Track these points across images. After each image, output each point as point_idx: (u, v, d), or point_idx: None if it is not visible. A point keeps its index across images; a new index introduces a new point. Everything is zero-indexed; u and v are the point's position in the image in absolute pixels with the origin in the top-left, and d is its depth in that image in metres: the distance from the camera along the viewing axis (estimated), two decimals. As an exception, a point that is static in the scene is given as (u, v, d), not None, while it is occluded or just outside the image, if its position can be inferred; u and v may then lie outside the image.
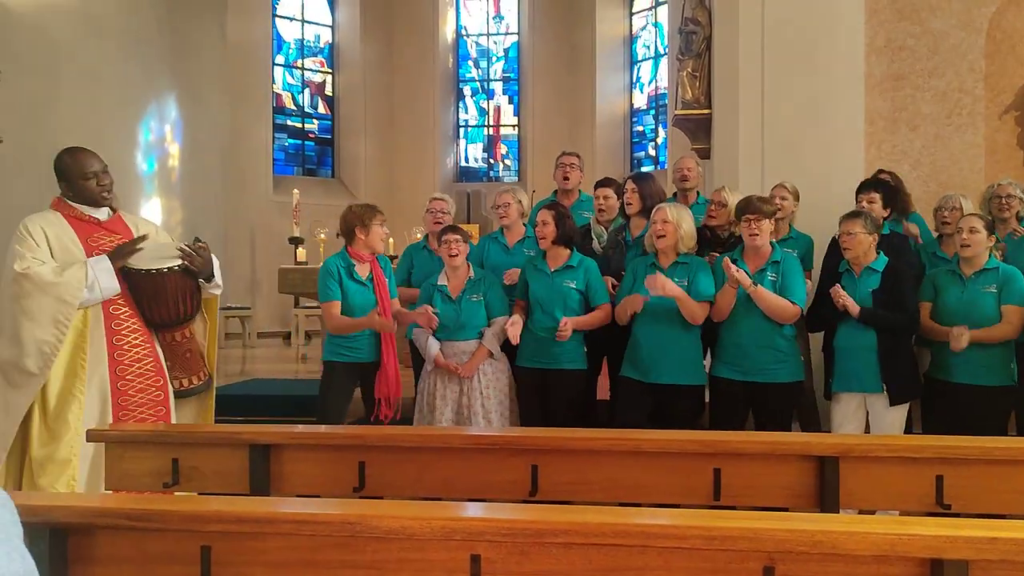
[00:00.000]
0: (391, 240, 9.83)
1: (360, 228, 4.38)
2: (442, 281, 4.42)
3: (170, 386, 3.68)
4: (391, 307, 4.41)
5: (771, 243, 4.17)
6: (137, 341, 3.58)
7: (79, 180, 3.54)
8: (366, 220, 4.38)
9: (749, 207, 4.10)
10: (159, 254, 3.58)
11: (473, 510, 2.18)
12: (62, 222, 3.54)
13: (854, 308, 3.97)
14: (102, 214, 3.63)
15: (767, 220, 4.07)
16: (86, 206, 3.59)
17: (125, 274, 3.51)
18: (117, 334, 3.53)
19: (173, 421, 3.67)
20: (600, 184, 4.99)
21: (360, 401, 4.54)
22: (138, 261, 3.52)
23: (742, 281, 3.90)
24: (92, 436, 3.25)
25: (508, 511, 2.13)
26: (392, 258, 9.10)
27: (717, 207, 4.59)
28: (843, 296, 3.98)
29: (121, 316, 3.55)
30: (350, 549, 2.02)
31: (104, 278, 3.43)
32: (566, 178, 5.13)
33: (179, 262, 3.54)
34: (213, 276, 3.68)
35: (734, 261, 4.08)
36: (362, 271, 4.40)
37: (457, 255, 4.36)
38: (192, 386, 3.74)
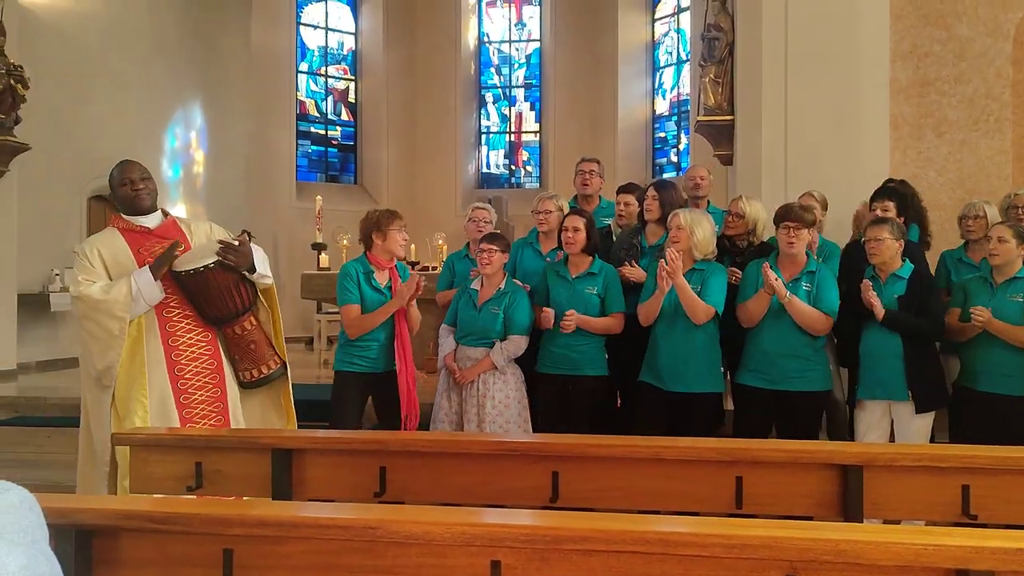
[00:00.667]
0: (412, 246, 9.88)
1: (377, 233, 4.35)
2: (475, 286, 4.44)
3: (229, 383, 3.74)
4: (410, 316, 4.39)
5: (807, 252, 4.13)
6: (192, 340, 3.68)
7: (118, 188, 3.75)
8: (383, 225, 4.34)
9: (790, 214, 4.06)
10: (201, 253, 3.67)
11: (493, 516, 2.18)
12: (116, 237, 3.71)
13: (879, 310, 3.92)
14: (151, 221, 3.75)
15: (806, 229, 4.03)
16: (134, 216, 3.74)
17: (173, 277, 3.62)
18: (172, 335, 3.65)
19: (233, 416, 3.73)
20: (622, 190, 4.98)
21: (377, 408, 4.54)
22: (180, 264, 3.62)
23: (778, 291, 3.87)
24: (118, 440, 3.29)
25: (528, 517, 2.13)
26: (413, 264, 9.18)
27: (735, 218, 4.55)
28: (872, 296, 3.93)
29: (174, 318, 3.66)
30: (371, 554, 2.03)
31: (146, 289, 3.54)
32: (585, 184, 5.11)
33: (215, 259, 3.60)
34: (255, 268, 3.70)
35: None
36: (380, 278, 4.38)
37: (490, 264, 4.35)
38: (261, 376, 3.79)
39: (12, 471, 5.18)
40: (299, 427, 4.04)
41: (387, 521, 2.03)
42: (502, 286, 4.40)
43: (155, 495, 3.14)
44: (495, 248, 4.35)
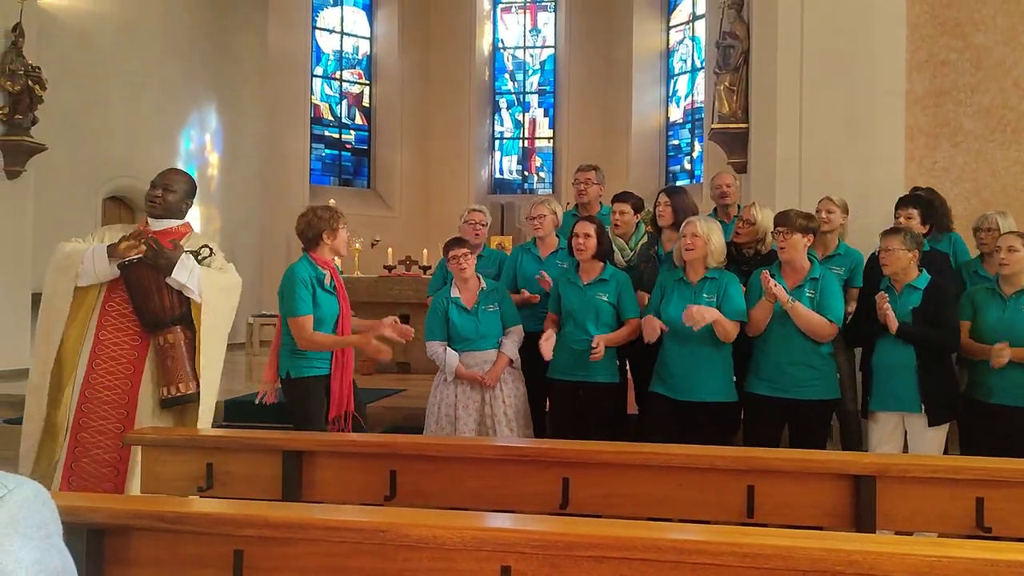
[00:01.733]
0: (424, 251, 9.90)
1: (328, 232, 4.19)
2: (455, 293, 4.43)
3: (144, 393, 3.70)
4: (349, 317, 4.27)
5: (811, 259, 4.11)
6: (118, 339, 3.72)
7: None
8: (334, 223, 4.20)
9: (780, 219, 4.06)
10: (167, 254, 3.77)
11: (504, 521, 2.18)
12: (127, 230, 3.89)
13: (893, 323, 3.89)
14: (159, 225, 3.88)
15: (798, 234, 3.99)
16: (148, 216, 3.95)
17: (120, 268, 3.70)
18: (103, 329, 3.72)
19: (137, 426, 3.68)
20: (617, 199, 4.97)
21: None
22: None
23: (780, 296, 3.85)
24: (130, 440, 3.30)
25: (540, 523, 2.12)
26: (425, 268, 9.19)
27: (745, 224, 4.52)
28: (887, 308, 3.90)
29: (112, 314, 3.74)
30: (380, 557, 2.03)
31: (98, 256, 3.67)
32: (581, 193, 5.10)
33: (140, 253, 3.67)
34: (170, 272, 3.66)
35: (771, 276, 4.04)
36: (326, 279, 4.20)
37: (466, 268, 4.38)
38: (171, 395, 3.70)
39: (24, 469, 5.18)
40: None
41: (397, 524, 2.03)
42: (484, 286, 4.45)
43: (166, 495, 3.15)
44: (466, 252, 4.39)
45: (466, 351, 4.37)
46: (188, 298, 3.76)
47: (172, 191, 3.87)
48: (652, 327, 4.03)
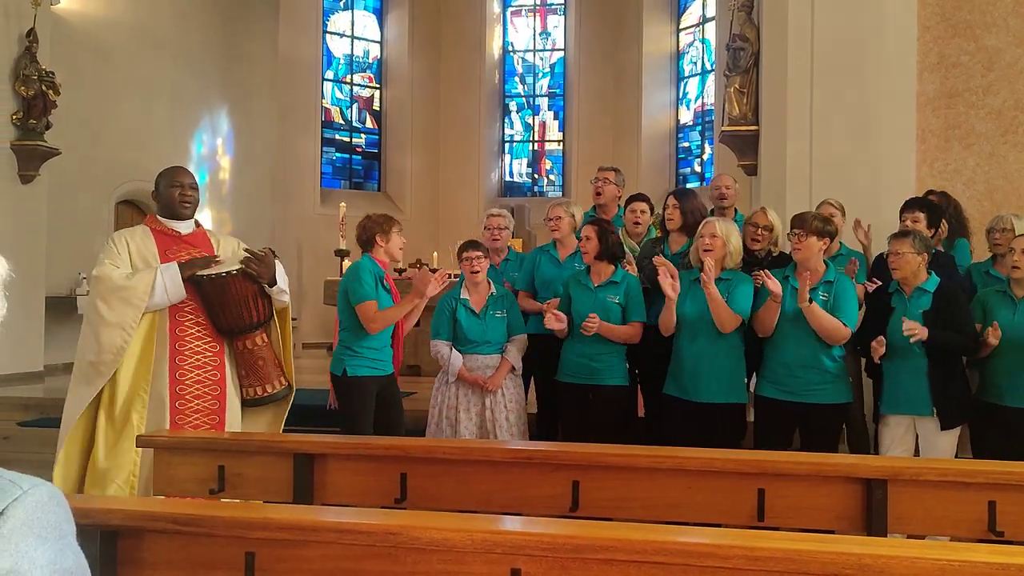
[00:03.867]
0: (435, 253, 9.91)
1: (381, 235, 4.41)
2: (464, 295, 4.45)
3: (230, 396, 3.75)
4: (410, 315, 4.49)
5: (826, 263, 4.10)
6: (199, 348, 3.71)
7: (166, 189, 3.79)
8: (387, 228, 4.42)
9: (796, 222, 4.05)
10: (226, 263, 3.72)
11: (514, 524, 2.18)
12: (147, 235, 3.77)
13: (924, 335, 3.77)
14: (183, 227, 3.82)
15: (814, 237, 3.98)
16: (170, 219, 3.81)
17: (193, 282, 3.65)
18: (180, 340, 3.67)
19: (229, 429, 3.74)
20: (633, 199, 4.98)
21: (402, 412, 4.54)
22: (204, 270, 3.67)
23: (800, 294, 3.83)
24: (142, 442, 3.33)
25: (549, 526, 2.13)
26: (435, 271, 9.20)
27: (763, 231, 4.51)
28: (916, 327, 3.77)
29: (186, 323, 3.69)
30: (391, 559, 2.04)
31: (171, 283, 3.58)
32: (598, 193, 5.12)
33: (238, 267, 3.65)
34: (275, 282, 3.75)
35: (785, 278, 4.02)
36: (384, 279, 4.44)
37: (479, 271, 4.40)
38: (265, 394, 3.80)
39: (40, 471, 5.21)
40: (322, 431, 4.05)
41: (408, 527, 2.03)
42: (493, 291, 4.46)
43: (179, 497, 3.17)
44: (480, 255, 4.41)
45: (469, 353, 4.40)
46: (271, 301, 3.81)
47: (198, 190, 3.89)
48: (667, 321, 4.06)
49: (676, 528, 2.30)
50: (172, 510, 2.22)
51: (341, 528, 2.08)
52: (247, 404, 3.82)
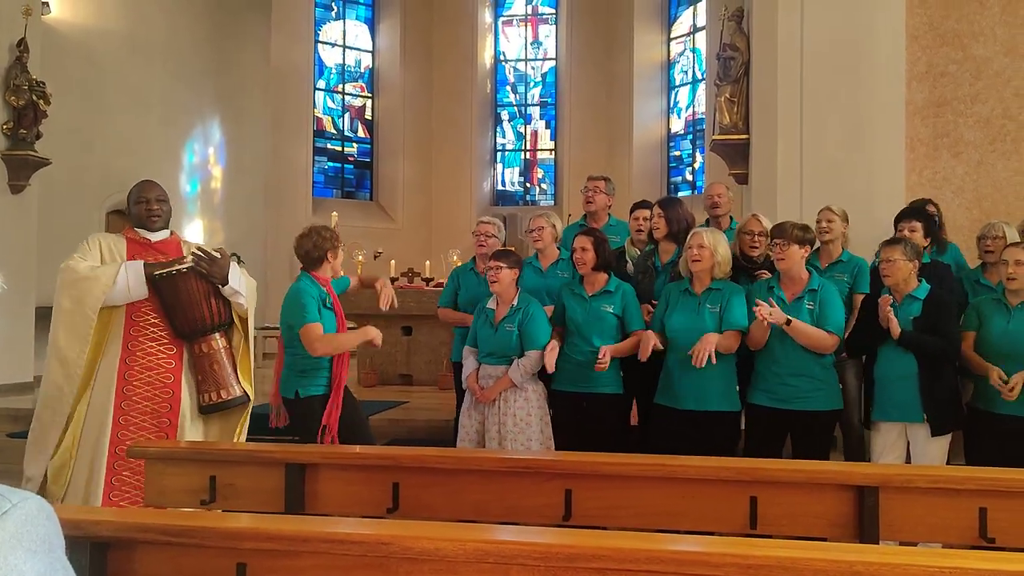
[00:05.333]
0: (427, 262, 9.90)
1: (332, 252, 4.21)
2: (491, 305, 4.44)
3: (185, 402, 3.73)
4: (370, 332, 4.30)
5: (810, 271, 4.11)
6: (151, 350, 3.70)
7: (133, 205, 3.94)
8: (336, 244, 4.25)
9: (776, 231, 4.08)
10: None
11: (507, 533, 2.18)
12: (120, 240, 3.88)
13: (896, 328, 3.89)
14: (156, 236, 3.90)
15: (795, 245, 4.00)
16: (141, 229, 3.92)
17: (150, 283, 3.67)
18: (132, 340, 3.69)
19: (183, 436, 3.71)
20: (637, 206, 4.98)
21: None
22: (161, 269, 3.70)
23: (777, 320, 3.84)
24: (134, 453, 3.31)
25: (542, 535, 2.12)
26: (427, 280, 9.20)
27: (759, 236, 4.52)
28: (889, 312, 3.90)
29: (140, 324, 3.71)
30: (383, 569, 2.03)
31: (133, 276, 3.63)
32: (589, 201, 5.13)
33: (188, 264, 3.67)
34: (228, 282, 3.73)
35: (770, 288, 4.04)
36: (328, 299, 4.22)
37: (496, 282, 4.35)
38: (220, 400, 3.76)
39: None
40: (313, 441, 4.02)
41: (400, 537, 2.03)
42: (515, 303, 4.38)
43: (170, 508, 3.15)
44: (502, 265, 4.32)
45: (485, 363, 4.39)
46: (229, 305, 3.79)
47: (166, 202, 3.96)
48: (647, 345, 4.04)
49: (668, 536, 2.30)
50: (163, 521, 2.21)
51: (332, 538, 2.07)
52: (203, 411, 3.79)
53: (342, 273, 4.43)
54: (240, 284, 3.81)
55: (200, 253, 3.70)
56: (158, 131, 10.10)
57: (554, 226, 4.78)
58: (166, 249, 3.85)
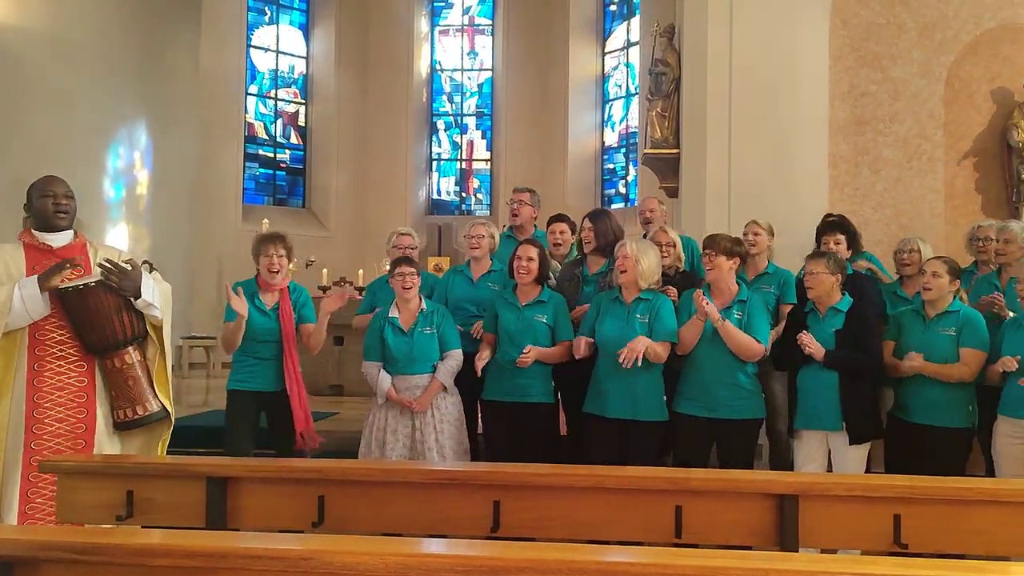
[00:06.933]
0: (360, 271, 9.81)
1: (259, 257, 4.41)
2: (393, 313, 4.37)
3: (100, 419, 3.55)
4: (306, 333, 4.41)
5: (739, 283, 4.21)
6: (62, 369, 3.49)
7: (37, 200, 3.58)
8: (260, 249, 4.40)
9: (708, 243, 4.17)
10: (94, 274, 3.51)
11: (431, 546, 2.15)
12: (17, 250, 3.56)
13: (819, 353, 4.00)
14: (57, 240, 3.59)
15: (723, 256, 4.10)
16: (43, 232, 3.59)
17: (57, 295, 3.44)
18: (39, 360, 3.46)
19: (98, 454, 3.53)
20: (554, 219, 5.04)
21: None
22: (65, 283, 3.44)
23: (711, 315, 3.93)
24: (46, 467, 3.17)
25: (466, 547, 2.10)
26: (360, 289, 9.11)
27: (666, 247, 4.63)
28: (811, 342, 4.01)
29: (46, 342, 3.48)
30: (304, 585, 1.98)
31: (30, 300, 3.36)
32: (514, 215, 5.15)
33: (97, 278, 3.45)
34: (140, 295, 3.53)
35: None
36: (266, 300, 4.36)
37: (411, 287, 4.34)
38: (136, 416, 3.57)
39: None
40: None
41: (321, 552, 1.98)
42: (424, 307, 4.39)
43: (80, 525, 3.03)
44: (413, 271, 4.37)
45: (399, 374, 4.30)
46: (143, 316, 3.61)
47: (74, 199, 3.63)
48: (579, 345, 4.12)
49: (594, 547, 2.31)
50: (70, 539, 2.12)
51: (251, 554, 2.01)
52: (119, 427, 3.60)
53: (269, 280, 4.40)
54: (154, 295, 3.60)
55: (109, 266, 3.45)
56: (81, 135, 9.76)
57: (493, 236, 4.78)
58: (68, 254, 3.54)
